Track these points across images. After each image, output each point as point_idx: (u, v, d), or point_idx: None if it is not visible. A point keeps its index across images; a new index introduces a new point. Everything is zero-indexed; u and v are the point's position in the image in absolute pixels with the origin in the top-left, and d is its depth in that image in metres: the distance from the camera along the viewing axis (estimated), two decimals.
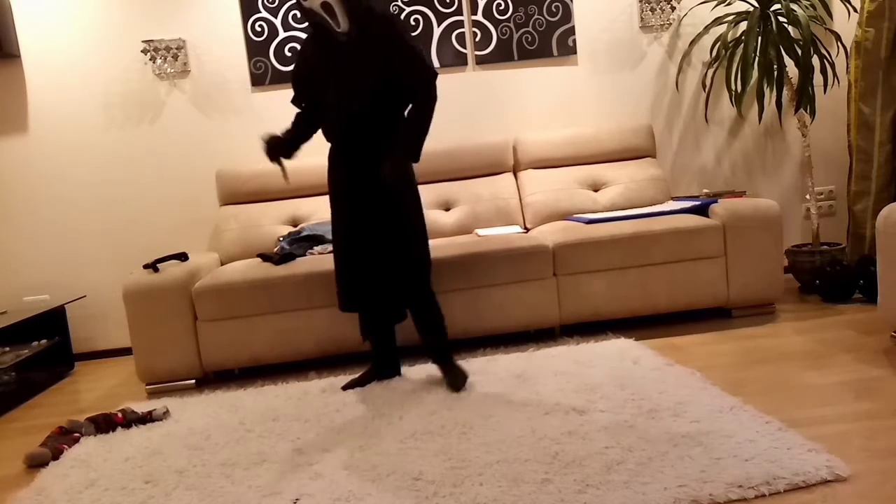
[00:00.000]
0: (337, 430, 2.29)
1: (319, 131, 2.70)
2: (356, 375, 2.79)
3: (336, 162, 2.63)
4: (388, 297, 2.59)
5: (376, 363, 2.79)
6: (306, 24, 2.57)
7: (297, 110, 2.73)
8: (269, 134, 2.66)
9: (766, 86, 3.56)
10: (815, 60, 3.53)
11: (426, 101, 2.49)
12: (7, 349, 3.31)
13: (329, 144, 2.66)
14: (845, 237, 3.84)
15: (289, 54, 3.74)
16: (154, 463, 2.17)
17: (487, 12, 3.80)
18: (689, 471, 1.76)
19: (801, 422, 2.03)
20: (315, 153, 3.80)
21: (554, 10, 3.84)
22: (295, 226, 3.59)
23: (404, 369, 2.87)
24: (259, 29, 3.73)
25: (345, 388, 2.72)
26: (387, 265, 2.55)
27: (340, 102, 2.53)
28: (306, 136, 2.74)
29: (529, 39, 3.84)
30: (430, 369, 2.84)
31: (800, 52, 3.48)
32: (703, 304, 3.21)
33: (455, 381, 2.56)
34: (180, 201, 3.81)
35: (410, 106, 2.52)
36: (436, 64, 3.76)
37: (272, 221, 3.57)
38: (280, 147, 2.64)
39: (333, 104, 2.55)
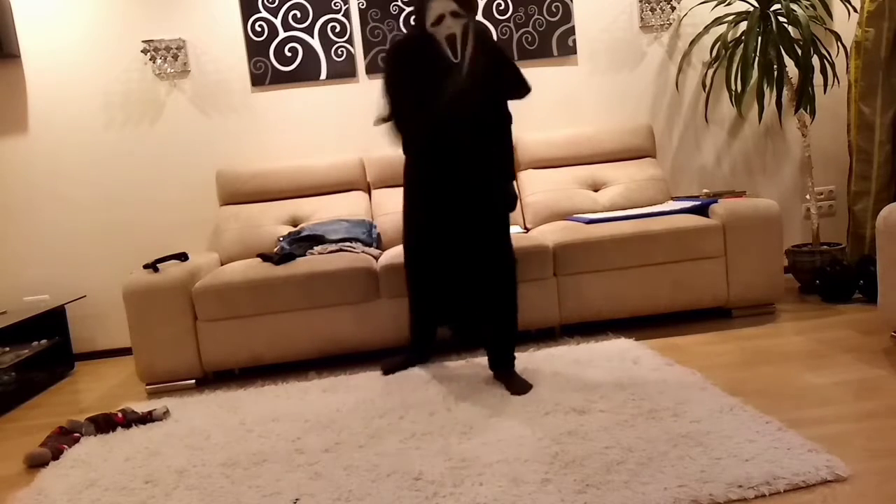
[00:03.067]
0: (337, 430, 2.29)
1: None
2: (394, 360, 2.88)
3: (430, 173, 2.62)
4: (478, 311, 2.64)
5: (414, 350, 2.89)
6: (415, 36, 2.59)
7: (394, 126, 2.68)
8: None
9: (766, 86, 3.56)
10: (815, 60, 3.53)
11: (506, 132, 2.63)
12: (7, 349, 3.31)
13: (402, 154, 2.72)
14: (845, 237, 3.84)
15: (289, 54, 3.74)
16: (154, 463, 2.17)
17: (487, 12, 3.80)
18: (689, 471, 1.76)
19: (801, 422, 2.03)
20: (313, 154, 3.80)
21: (554, 10, 3.84)
22: (295, 226, 3.59)
23: (405, 371, 2.87)
24: (259, 29, 3.73)
25: (385, 372, 2.82)
26: (480, 280, 2.58)
27: (447, 119, 2.52)
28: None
29: (529, 39, 3.84)
30: (430, 369, 2.84)
31: (800, 52, 3.48)
32: (703, 304, 3.21)
33: (520, 388, 2.49)
34: (180, 201, 3.81)
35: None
36: None
37: (272, 221, 3.57)
38: None
39: (440, 119, 2.54)
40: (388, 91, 2.65)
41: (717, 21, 3.74)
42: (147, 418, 2.56)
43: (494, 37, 3.81)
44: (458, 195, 2.57)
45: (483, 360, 2.86)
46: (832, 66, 3.57)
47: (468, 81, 2.51)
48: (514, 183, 2.69)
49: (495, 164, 2.59)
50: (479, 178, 2.56)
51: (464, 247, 2.58)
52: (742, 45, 3.58)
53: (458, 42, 2.50)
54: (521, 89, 2.61)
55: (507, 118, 2.62)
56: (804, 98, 3.55)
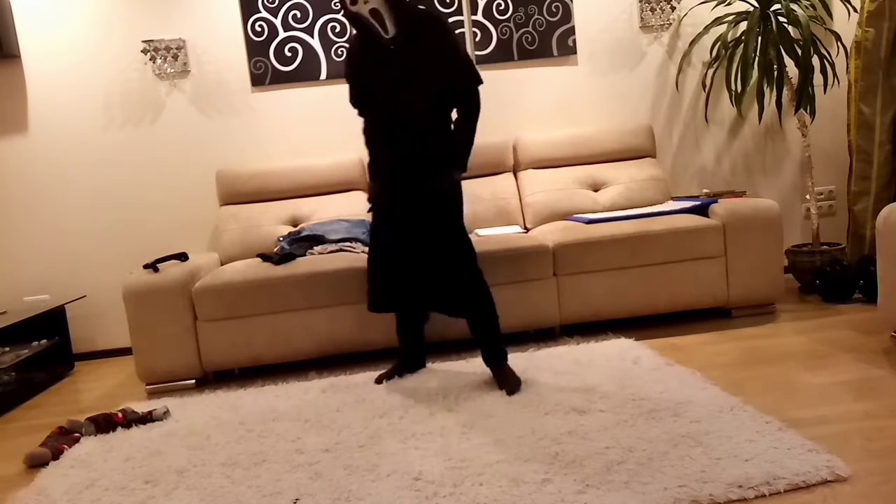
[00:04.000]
0: (337, 430, 2.29)
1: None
2: (387, 369, 2.81)
3: (381, 165, 2.61)
4: (440, 298, 2.60)
5: (406, 356, 2.83)
6: (352, 28, 2.55)
7: (360, 115, 2.71)
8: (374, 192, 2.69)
9: (766, 86, 3.56)
10: (815, 60, 3.53)
11: (471, 109, 2.53)
12: (7, 349, 3.31)
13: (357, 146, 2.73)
14: (845, 237, 3.84)
15: (289, 54, 3.74)
16: (154, 463, 2.17)
17: (487, 12, 3.80)
18: (690, 471, 1.76)
19: (801, 422, 2.03)
20: (313, 154, 3.80)
21: (554, 10, 3.84)
22: (295, 226, 3.59)
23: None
24: (259, 29, 3.73)
25: (378, 381, 2.75)
26: (434, 268, 2.55)
27: (389, 106, 2.52)
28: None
29: (529, 39, 3.84)
30: (430, 369, 2.84)
31: (800, 52, 3.48)
32: (703, 304, 3.22)
33: (510, 386, 2.49)
34: (180, 201, 3.81)
35: (456, 114, 2.56)
36: None
37: (272, 221, 3.57)
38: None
39: (382, 108, 2.55)
40: (348, 81, 2.67)
41: (717, 21, 3.74)
42: (147, 418, 2.56)
43: (494, 37, 3.81)
44: (404, 188, 2.54)
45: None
46: (832, 66, 3.57)
47: (406, 74, 2.48)
48: (459, 173, 2.58)
49: (446, 149, 2.54)
50: (423, 169, 2.51)
51: (416, 240, 2.54)
52: (742, 45, 3.58)
53: (384, 16, 2.43)
54: (468, 81, 2.51)
55: (469, 90, 2.52)
56: (804, 98, 3.55)
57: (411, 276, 2.59)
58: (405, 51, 2.48)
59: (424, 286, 2.60)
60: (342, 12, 2.53)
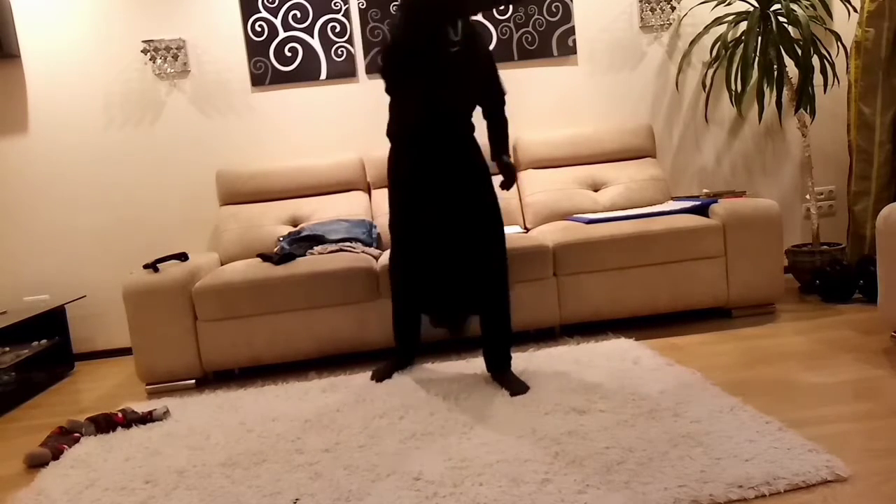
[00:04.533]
0: (337, 430, 2.29)
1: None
2: (382, 366, 2.83)
3: (412, 159, 2.63)
4: (465, 299, 2.62)
5: (402, 353, 2.85)
6: (407, 22, 2.56)
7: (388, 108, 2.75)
8: None
9: (766, 86, 3.56)
10: (815, 60, 3.53)
11: (504, 114, 2.78)
12: (7, 349, 3.31)
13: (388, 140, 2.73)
14: (845, 237, 3.84)
15: (289, 54, 3.74)
16: (154, 463, 2.17)
17: (487, 12, 3.80)
18: (690, 471, 1.76)
19: (801, 422, 2.03)
20: (313, 154, 3.80)
21: (554, 10, 3.84)
22: (295, 226, 3.59)
23: (403, 372, 2.87)
24: (259, 29, 3.73)
25: (373, 378, 2.77)
26: (468, 266, 2.57)
27: (433, 102, 2.57)
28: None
29: (529, 39, 3.84)
30: (430, 369, 2.84)
31: (800, 52, 3.48)
32: (703, 304, 3.21)
33: (517, 388, 2.48)
34: (180, 201, 3.81)
35: (488, 118, 2.78)
36: None
37: (272, 221, 3.57)
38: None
39: (423, 102, 2.58)
40: (388, 72, 2.67)
41: (717, 21, 3.74)
42: (147, 418, 2.56)
43: (494, 37, 3.81)
44: (447, 180, 2.58)
45: (484, 361, 2.87)
46: (832, 66, 3.57)
47: (458, 75, 2.57)
48: (507, 157, 2.73)
49: (496, 140, 2.75)
50: (467, 162, 2.61)
51: (454, 237, 2.57)
52: (742, 45, 3.58)
53: (457, 42, 2.52)
54: (502, 94, 2.75)
55: (502, 101, 2.75)
56: (804, 98, 3.55)
57: (440, 275, 2.63)
58: (461, 55, 2.57)
59: (452, 285, 2.62)
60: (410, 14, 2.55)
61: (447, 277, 2.63)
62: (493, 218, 2.58)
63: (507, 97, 2.76)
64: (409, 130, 2.64)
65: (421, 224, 2.63)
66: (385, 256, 3.12)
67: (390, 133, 2.69)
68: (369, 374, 2.85)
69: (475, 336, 3.07)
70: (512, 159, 2.78)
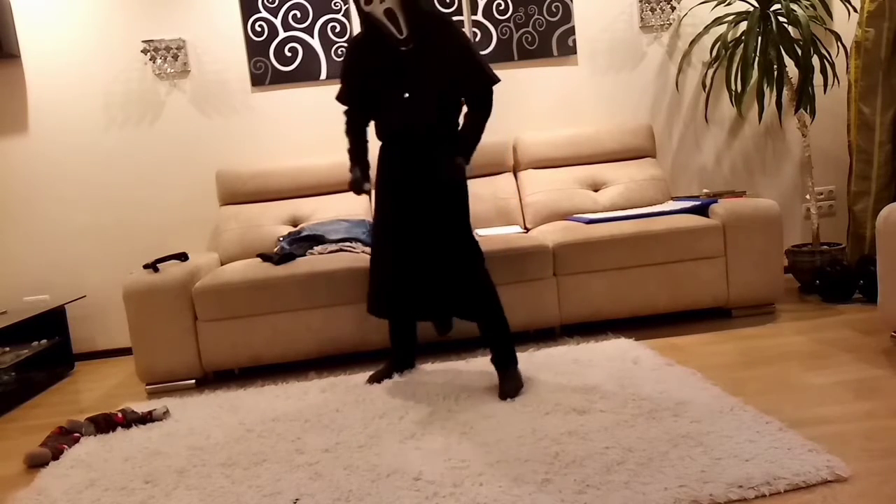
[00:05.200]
0: (337, 430, 2.29)
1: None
2: (379, 369, 2.80)
3: (391, 163, 2.59)
4: (447, 302, 2.56)
5: (397, 357, 2.82)
6: (363, 25, 2.55)
7: (345, 113, 2.71)
8: (353, 177, 2.66)
9: (766, 86, 3.56)
10: (815, 60, 3.53)
11: (483, 108, 2.56)
12: (7, 349, 3.31)
13: (375, 143, 2.69)
14: (845, 237, 3.84)
15: (289, 54, 3.74)
16: (154, 463, 2.17)
17: (487, 12, 3.80)
18: (690, 471, 1.76)
19: (801, 422, 2.03)
20: (313, 154, 3.80)
21: (554, 10, 3.84)
22: (295, 226, 3.59)
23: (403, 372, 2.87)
24: (259, 29, 3.73)
25: (370, 381, 2.74)
26: (440, 269, 2.51)
27: (402, 106, 2.51)
28: (364, 140, 2.74)
29: (529, 39, 3.84)
30: (430, 369, 2.84)
31: (800, 52, 3.48)
32: (703, 304, 3.21)
33: (507, 390, 2.44)
34: (180, 201, 3.81)
35: (466, 112, 2.57)
36: None
37: (272, 221, 3.57)
38: (361, 180, 2.66)
39: (394, 107, 2.53)
40: (343, 79, 2.66)
41: (717, 21, 3.74)
42: (147, 418, 2.56)
43: (494, 37, 3.81)
44: (411, 182, 2.52)
45: (484, 361, 2.87)
46: (832, 66, 3.57)
47: (419, 75, 2.47)
48: (463, 161, 2.55)
49: (453, 152, 2.54)
50: (430, 167, 2.51)
51: (421, 240, 2.52)
52: (742, 45, 3.58)
53: (398, 16, 2.42)
54: (482, 83, 2.53)
55: (482, 91, 2.54)
56: (804, 98, 3.55)
57: (414, 282, 2.55)
58: (417, 53, 2.48)
59: (428, 293, 2.56)
60: (357, 10, 2.51)
61: (419, 282, 2.56)
62: (460, 236, 2.51)
63: (497, 87, 2.56)
64: (382, 136, 2.63)
65: (392, 229, 2.58)
66: None
67: (377, 134, 2.67)
68: (369, 374, 2.85)
69: (474, 336, 3.08)
70: (470, 163, 2.56)
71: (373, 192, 2.68)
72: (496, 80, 2.56)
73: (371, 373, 2.82)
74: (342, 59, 2.70)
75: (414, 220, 2.53)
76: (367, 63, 2.58)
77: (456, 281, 2.52)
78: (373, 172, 2.69)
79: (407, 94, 2.50)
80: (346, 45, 3.76)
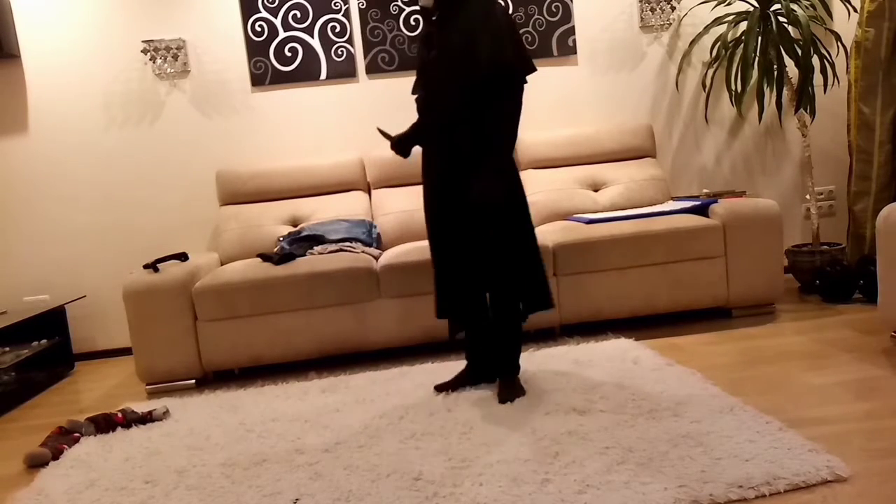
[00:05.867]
0: (337, 430, 2.29)
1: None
2: (452, 378, 2.60)
3: (427, 161, 2.45)
4: (474, 303, 2.46)
5: (469, 367, 2.60)
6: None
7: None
8: (394, 136, 2.53)
9: (766, 86, 3.56)
10: (815, 60, 3.53)
11: (504, 99, 2.22)
12: (7, 349, 3.31)
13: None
14: (845, 237, 3.84)
15: (289, 54, 3.74)
16: (154, 463, 2.17)
17: None
18: (690, 471, 1.76)
19: (801, 422, 2.03)
20: (313, 154, 3.80)
21: (554, 10, 3.84)
22: (295, 226, 3.59)
23: (406, 368, 2.86)
24: (259, 29, 3.73)
25: (438, 389, 2.55)
26: (474, 274, 2.40)
27: (427, 92, 2.41)
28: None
29: (529, 39, 3.84)
30: (430, 369, 2.84)
31: (800, 52, 3.48)
32: (703, 304, 3.21)
33: (506, 395, 2.38)
34: (180, 201, 3.81)
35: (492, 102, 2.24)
36: None
37: (272, 221, 3.57)
38: (405, 142, 2.52)
39: (422, 93, 2.45)
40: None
41: (717, 21, 3.74)
42: (147, 418, 2.56)
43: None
44: (442, 183, 2.38)
45: None
46: (832, 66, 3.57)
47: (443, 50, 2.30)
48: (504, 172, 2.27)
49: (483, 147, 2.26)
50: (461, 169, 2.31)
51: (453, 235, 2.39)
52: (742, 45, 3.58)
53: (432, 9, 2.32)
54: (500, 67, 2.20)
55: (508, 84, 2.23)
56: (804, 98, 3.55)
57: (457, 284, 2.43)
58: (443, 29, 2.28)
59: (467, 290, 2.43)
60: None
61: (461, 283, 2.44)
62: (504, 235, 2.32)
63: (515, 75, 2.23)
64: (420, 126, 2.52)
65: (432, 230, 2.47)
66: (386, 256, 3.13)
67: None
68: (369, 374, 2.85)
69: None
70: (508, 162, 2.29)
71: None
72: (522, 68, 2.25)
73: (441, 382, 2.61)
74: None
75: (450, 226, 2.39)
76: (420, 53, 2.46)
77: (484, 287, 2.39)
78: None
79: (430, 75, 2.34)
80: (346, 45, 3.76)
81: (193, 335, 3.01)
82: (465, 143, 2.30)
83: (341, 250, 3.21)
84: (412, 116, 2.59)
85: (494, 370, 2.54)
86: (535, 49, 3.84)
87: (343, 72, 3.78)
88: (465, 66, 2.23)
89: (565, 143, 3.75)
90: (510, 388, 2.44)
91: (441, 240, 2.45)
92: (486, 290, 2.44)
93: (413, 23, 3.76)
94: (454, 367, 2.84)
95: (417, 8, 2.39)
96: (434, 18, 2.33)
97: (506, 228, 2.34)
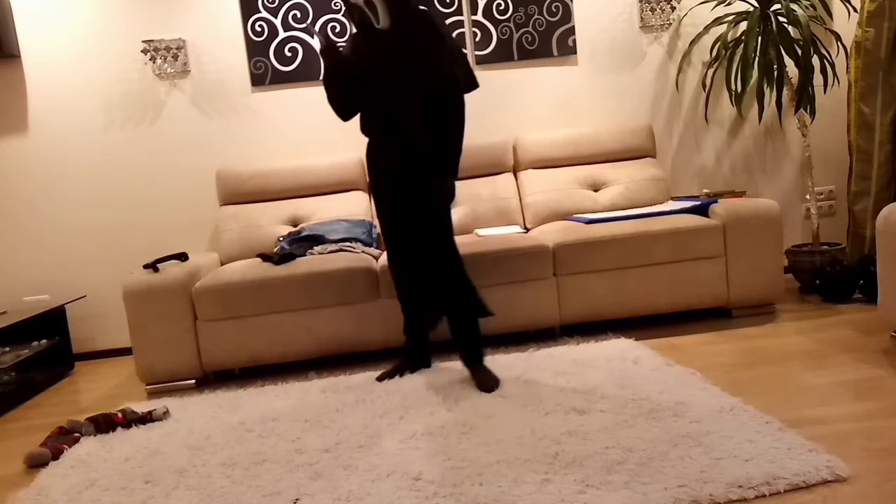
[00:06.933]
0: (337, 430, 2.29)
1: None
2: (389, 367, 2.82)
3: (376, 157, 2.65)
4: (430, 291, 2.63)
5: (409, 353, 2.83)
6: (350, 20, 2.60)
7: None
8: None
9: (766, 86, 3.56)
10: (815, 60, 3.53)
11: (451, 111, 2.49)
12: (7, 349, 3.31)
13: (365, 138, 2.71)
14: (845, 237, 3.84)
15: (289, 54, 3.74)
16: (154, 463, 2.17)
17: (487, 12, 3.80)
18: (690, 471, 1.76)
19: (801, 422, 2.03)
20: (313, 154, 3.80)
21: (554, 10, 3.84)
22: (295, 226, 3.59)
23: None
24: (259, 29, 3.73)
25: (380, 379, 2.75)
26: (425, 262, 2.59)
27: (383, 98, 2.54)
28: (351, 95, 2.62)
29: (529, 39, 3.84)
30: (430, 369, 2.84)
31: (800, 52, 3.48)
32: (703, 304, 3.21)
33: (486, 383, 2.53)
34: (180, 201, 3.81)
35: (434, 116, 2.50)
36: None
37: (272, 221, 3.57)
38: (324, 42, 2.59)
39: (377, 99, 2.56)
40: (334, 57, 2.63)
41: (717, 21, 3.74)
42: (147, 418, 2.56)
43: (494, 37, 3.81)
44: (394, 178, 2.57)
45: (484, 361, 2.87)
46: (832, 66, 3.57)
47: (399, 67, 2.49)
48: (453, 177, 2.54)
49: (432, 151, 2.50)
50: (415, 169, 2.52)
51: (408, 236, 2.59)
52: (742, 45, 3.58)
53: (377, 8, 2.44)
54: (448, 80, 2.47)
55: (449, 89, 2.48)
56: (804, 98, 3.55)
57: (412, 270, 2.65)
58: (397, 45, 2.49)
59: (420, 285, 2.65)
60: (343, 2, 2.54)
61: (414, 274, 2.65)
62: (440, 237, 2.55)
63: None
64: (369, 130, 2.66)
65: (386, 223, 2.65)
66: (386, 256, 3.12)
67: (363, 129, 2.69)
68: (369, 374, 2.86)
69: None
70: (453, 179, 2.52)
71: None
72: (465, 85, 2.51)
73: (380, 372, 2.83)
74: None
75: (403, 223, 2.59)
76: (358, 52, 2.58)
77: (441, 280, 2.58)
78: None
79: (386, 87, 2.51)
80: (346, 45, 3.75)
81: (193, 335, 3.01)
82: (426, 150, 2.51)
83: (341, 250, 3.21)
84: None
85: (464, 360, 2.67)
86: (535, 49, 3.84)
87: None
88: (423, 80, 2.48)
89: (565, 143, 3.75)
90: (486, 375, 2.57)
91: (399, 235, 2.61)
92: (443, 280, 2.58)
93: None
94: (453, 366, 2.84)
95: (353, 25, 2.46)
96: (385, 39, 2.49)
97: (446, 225, 2.58)
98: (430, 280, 2.60)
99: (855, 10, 3.64)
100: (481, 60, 3.82)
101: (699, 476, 1.73)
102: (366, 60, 2.56)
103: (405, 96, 2.50)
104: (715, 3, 3.78)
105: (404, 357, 2.84)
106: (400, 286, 2.73)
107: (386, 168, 2.60)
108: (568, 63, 3.92)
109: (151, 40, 3.68)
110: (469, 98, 3.88)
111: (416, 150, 2.53)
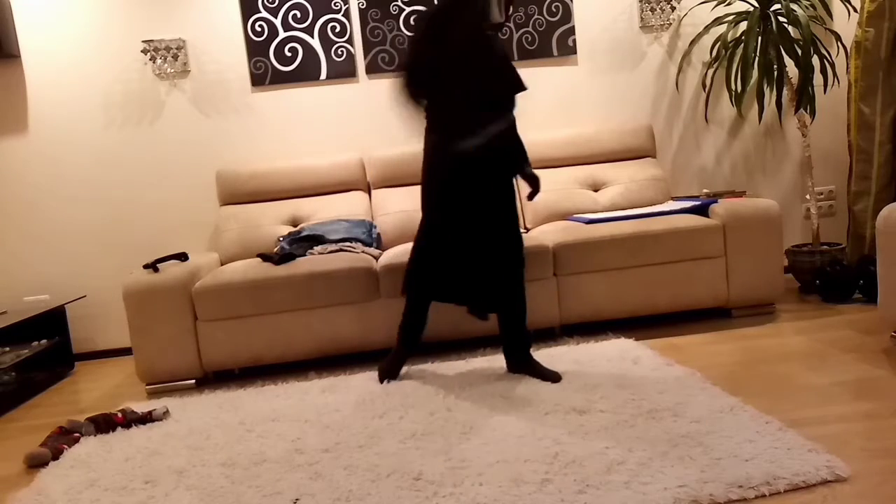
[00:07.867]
0: (337, 430, 2.29)
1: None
2: (388, 367, 2.76)
3: (448, 153, 2.59)
4: (488, 292, 2.64)
5: (406, 348, 2.75)
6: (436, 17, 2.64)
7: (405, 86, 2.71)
8: None
9: (766, 86, 3.56)
10: (815, 60, 3.53)
11: (507, 110, 2.63)
12: (7, 349, 3.31)
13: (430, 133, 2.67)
14: (845, 237, 3.84)
15: (289, 54, 3.74)
16: (154, 463, 2.17)
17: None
18: (690, 471, 1.76)
19: (801, 422, 2.03)
20: (313, 154, 3.80)
21: (554, 10, 3.84)
22: (295, 226, 3.59)
23: (406, 368, 2.86)
24: (259, 29, 3.73)
25: (382, 379, 2.74)
26: (493, 262, 2.60)
27: (470, 90, 2.56)
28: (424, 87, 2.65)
29: (529, 39, 3.84)
30: (430, 369, 2.84)
31: (800, 52, 3.48)
32: (703, 304, 3.21)
33: (550, 374, 2.58)
34: (180, 201, 3.81)
35: None
36: None
37: (272, 221, 3.57)
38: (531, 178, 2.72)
39: (460, 98, 2.57)
40: (417, 45, 2.66)
41: (717, 21, 3.74)
42: (147, 418, 2.56)
43: None
44: (474, 177, 2.56)
45: (484, 361, 2.87)
46: (832, 66, 3.57)
47: (497, 58, 2.57)
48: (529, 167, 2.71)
49: (511, 146, 2.63)
50: (492, 158, 2.57)
51: (481, 229, 2.58)
52: (742, 45, 3.58)
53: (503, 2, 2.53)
54: (505, 89, 2.61)
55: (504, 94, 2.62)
56: (804, 98, 3.55)
57: (465, 266, 2.62)
58: (497, 40, 2.59)
59: (473, 278, 2.63)
60: None
61: (476, 271, 2.62)
62: (509, 223, 2.60)
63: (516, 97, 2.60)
64: (452, 116, 2.60)
65: (456, 220, 2.60)
66: (386, 256, 3.12)
67: (435, 126, 2.63)
68: (369, 374, 2.85)
69: (475, 336, 3.08)
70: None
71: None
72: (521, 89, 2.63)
73: (379, 369, 2.78)
74: (418, 33, 2.70)
75: (476, 218, 2.58)
76: (447, 41, 2.56)
77: (498, 273, 2.60)
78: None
79: (478, 83, 2.54)
80: (346, 45, 3.76)
81: (193, 335, 3.01)
82: (507, 144, 2.61)
83: (341, 250, 3.21)
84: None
85: (515, 357, 2.69)
86: (535, 49, 3.84)
87: (343, 72, 3.78)
88: (500, 84, 2.58)
89: (565, 143, 3.75)
90: (544, 367, 2.63)
91: (467, 230, 2.59)
92: (506, 277, 2.61)
93: (412, 23, 3.76)
94: (453, 366, 2.84)
95: (485, 24, 2.59)
96: (490, 33, 2.59)
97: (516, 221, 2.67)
98: (489, 277, 2.60)
99: (855, 10, 3.64)
100: None
101: (699, 476, 1.73)
102: (447, 60, 2.55)
103: (492, 90, 2.57)
104: (715, 3, 3.78)
105: (403, 352, 2.76)
106: (434, 282, 2.65)
107: (461, 165, 2.56)
108: (568, 63, 3.92)
109: (151, 40, 3.68)
110: None
111: (496, 141, 2.56)
